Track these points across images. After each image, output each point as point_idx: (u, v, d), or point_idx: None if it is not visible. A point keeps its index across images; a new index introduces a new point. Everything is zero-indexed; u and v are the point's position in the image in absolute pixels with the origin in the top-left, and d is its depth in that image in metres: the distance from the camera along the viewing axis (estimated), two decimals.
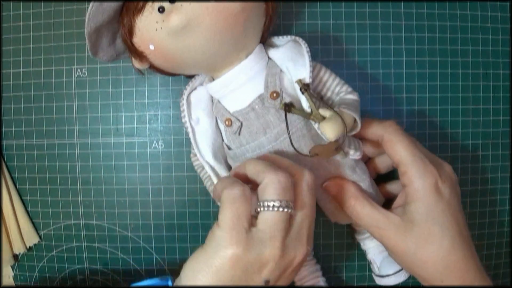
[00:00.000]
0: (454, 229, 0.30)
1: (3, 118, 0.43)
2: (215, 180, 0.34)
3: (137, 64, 0.34)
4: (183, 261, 0.39)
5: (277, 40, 0.36)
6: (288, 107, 0.31)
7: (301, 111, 0.31)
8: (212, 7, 0.29)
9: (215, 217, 0.42)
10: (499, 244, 0.43)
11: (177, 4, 0.29)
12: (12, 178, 0.43)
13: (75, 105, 0.42)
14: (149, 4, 0.29)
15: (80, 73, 0.42)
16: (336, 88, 0.35)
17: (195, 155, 0.37)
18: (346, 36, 0.41)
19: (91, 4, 0.29)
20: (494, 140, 0.42)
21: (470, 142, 0.42)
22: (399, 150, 0.32)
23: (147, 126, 0.42)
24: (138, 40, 0.31)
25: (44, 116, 0.42)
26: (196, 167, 0.38)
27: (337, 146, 0.31)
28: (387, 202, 0.38)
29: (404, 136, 0.32)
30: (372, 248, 0.38)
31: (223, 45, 0.31)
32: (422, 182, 0.30)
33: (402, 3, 0.41)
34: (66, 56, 0.41)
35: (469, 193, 0.42)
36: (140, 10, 0.30)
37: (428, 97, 0.42)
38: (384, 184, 0.39)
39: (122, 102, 0.42)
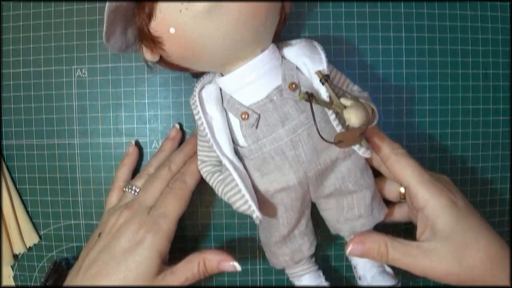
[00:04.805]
0: (484, 227, 0.32)
1: (3, 118, 0.43)
2: (236, 177, 0.32)
3: (148, 54, 0.33)
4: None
5: (289, 42, 0.36)
6: (311, 97, 0.31)
7: (323, 101, 0.31)
8: None
9: (215, 217, 0.42)
10: None
11: None
12: (12, 178, 0.43)
13: (75, 105, 0.42)
14: None
15: (80, 73, 0.42)
16: (347, 88, 0.36)
17: (203, 161, 0.36)
18: (346, 36, 0.41)
19: None
20: (494, 140, 0.42)
21: (470, 142, 0.42)
22: (408, 172, 0.33)
23: (147, 126, 0.42)
24: (158, 23, 0.30)
25: (44, 116, 0.42)
26: (205, 174, 0.35)
27: (361, 133, 0.31)
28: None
29: (412, 159, 0.34)
30: (362, 263, 0.37)
31: (244, 33, 0.30)
32: (438, 199, 0.32)
33: (402, 3, 0.41)
34: (66, 56, 0.41)
35: (469, 193, 0.42)
36: None
37: (428, 97, 0.42)
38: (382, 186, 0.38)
39: (122, 102, 0.42)
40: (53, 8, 0.41)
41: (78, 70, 0.42)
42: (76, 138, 0.42)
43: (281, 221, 0.35)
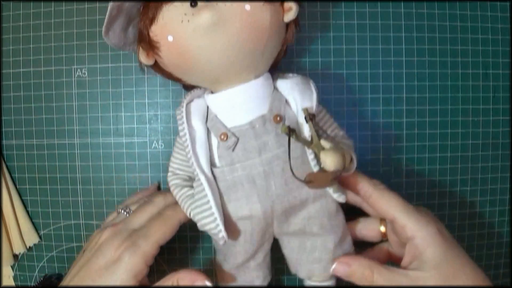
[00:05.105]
0: (466, 256, 0.33)
1: (3, 118, 0.43)
2: (209, 194, 0.32)
3: (143, 57, 0.33)
4: (183, 260, 0.39)
5: (285, 74, 0.36)
6: (292, 132, 0.31)
7: (303, 138, 0.31)
8: (245, 15, 0.29)
9: None
10: (499, 244, 0.43)
11: (213, 2, 0.29)
12: (12, 178, 0.43)
13: (75, 105, 0.42)
14: None
15: (80, 73, 0.42)
16: (333, 132, 0.36)
17: (174, 174, 0.36)
18: (346, 36, 0.41)
19: None
20: (494, 140, 0.42)
21: (470, 142, 0.42)
22: (393, 205, 0.33)
23: (147, 126, 0.42)
24: (158, 28, 0.30)
25: (44, 116, 0.42)
26: (173, 186, 0.35)
27: (333, 177, 0.30)
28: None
29: (394, 192, 0.34)
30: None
31: (241, 55, 0.31)
32: (426, 230, 0.32)
33: (402, 3, 0.41)
34: (66, 56, 0.41)
35: (469, 193, 0.43)
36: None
37: (428, 97, 0.42)
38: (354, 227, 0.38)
39: (122, 102, 0.42)
40: (53, 8, 0.41)
41: (78, 70, 0.42)
42: (76, 138, 0.42)
43: (238, 248, 0.34)
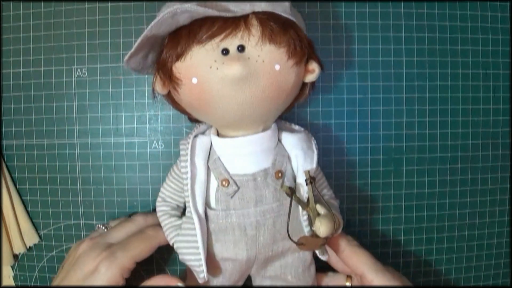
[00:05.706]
0: None
1: (3, 118, 0.43)
2: (199, 237, 0.32)
3: (159, 86, 0.32)
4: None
5: (289, 125, 0.37)
6: (292, 193, 0.31)
7: (301, 200, 0.32)
8: (273, 74, 0.30)
9: None
10: (499, 244, 0.44)
11: (245, 55, 0.29)
12: (12, 178, 0.43)
13: (75, 105, 0.42)
14: (216, 40, 0.29)
15: (80, 73, 0.42)
16: (323, 190, 0.37)
17: (164, 200, 0.36)
18: (346, 36, 0.41)
19: (166, 11, 0.28)
20: (494, 140, 0.42)
21: (470, 142, 0.42)
22: (363, 261, 0.35)
23: (147, 126, 0.42)
24: (183, 67, 0.30)
25: (44, 116, 0.42)
26: (161, 213, 0.36)
27: (323, 243, 0.32)
28: None
29: (365, 249, 0.36)
30: None
31: (258, 110, 0.31)
32: (393, 284, 0.34)
33: (402, 3, 0.41)
34: (66, 56, 0.41)
35: (469, 193, 0.43)
36: (203, 41, 0.29)
37: (428, 97, 0.42)
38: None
39: (122, 102, 0.42)
40: (53, 8, 0.41)
41: (78, 70, 0.42)
42: (76, 138, 0.42)
43: (215, 283, 0.35)
